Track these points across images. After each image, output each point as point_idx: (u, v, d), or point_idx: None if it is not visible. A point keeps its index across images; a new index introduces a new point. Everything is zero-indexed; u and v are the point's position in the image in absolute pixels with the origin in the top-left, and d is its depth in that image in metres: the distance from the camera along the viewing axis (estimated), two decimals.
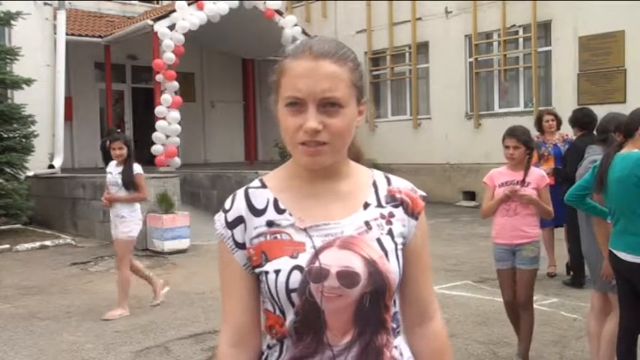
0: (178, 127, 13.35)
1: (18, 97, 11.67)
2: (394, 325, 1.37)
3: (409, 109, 15.73)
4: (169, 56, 13.14)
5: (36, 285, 7.36)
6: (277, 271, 1.27)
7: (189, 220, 9.41)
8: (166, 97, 13.20)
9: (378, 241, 1.32)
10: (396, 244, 1.34)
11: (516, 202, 4.22)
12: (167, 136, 13.27)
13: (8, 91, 11.68)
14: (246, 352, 1.36)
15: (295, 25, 14.94)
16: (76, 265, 8.53)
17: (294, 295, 1.26)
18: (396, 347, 1.36)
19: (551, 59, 13.05)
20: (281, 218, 1.32)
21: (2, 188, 10.51)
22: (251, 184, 1.39)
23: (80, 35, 14.87)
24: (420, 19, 15.13)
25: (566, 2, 12.30)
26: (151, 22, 13.38)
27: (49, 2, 13.32)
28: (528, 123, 12.93)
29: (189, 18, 13.32)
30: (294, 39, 14.73)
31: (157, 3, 18.33)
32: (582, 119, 6.29)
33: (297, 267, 1.26)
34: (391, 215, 1.36)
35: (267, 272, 1.29)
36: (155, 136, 13.28)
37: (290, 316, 1.29)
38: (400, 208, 1.38)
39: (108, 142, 13.42)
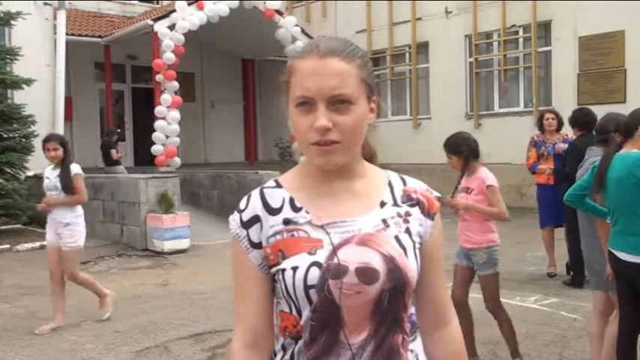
0: (177, 127, 13.35)
1: (18, 97, 11.67)
2: (410, 327, 1.36)
3: (409, 109, 15.73)
4: (169, 56, 13.14)
5: (36, 285, 7.35)
6: (295, 268, 1.26)
7: (189, 220, 9.41)
8: (166, 97, 13.20)
9: (396, 238, 1.31)
10: (414, 243, 1.34)
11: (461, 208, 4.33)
12: (166, 137, 13.27)
13: (8, 91, 11.69)
14: (261, 353, 1.35)
15: (295, 25, 14.94)
16: None
17: (312, 292, 1.25)
18: (412, 351, 1.36)
19: (551, 59, 13.06)
20: (298, 216, 1.31)
21: (2, 188, 10.51)
22: (266, 184, 1.39)
23: (80, 35, 14.87)
24: (420, 19, 15.14)
25: (566, 2, 12.30)
26: (150, 22, 13.38)
27: (49, 2, 13.33)
28: (528, 123, 13.03)
29: (189, 18, 13.33)
30: (294, 39, 14.74)
31: (157, 3, 18.33)
32: (581, 119, 6.29)
33: (316, 263, 1.26)
34: (408, 214, 1.36)
35: (284, 270, 1.28)
36: (155, 136, 13.28)
37: (306, 314, 1.27)
38: (417, 208, 1.38)
39: (115, 139, 13.52)
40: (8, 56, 11.28)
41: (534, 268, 7.38)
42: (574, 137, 6.50)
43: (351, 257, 1.26)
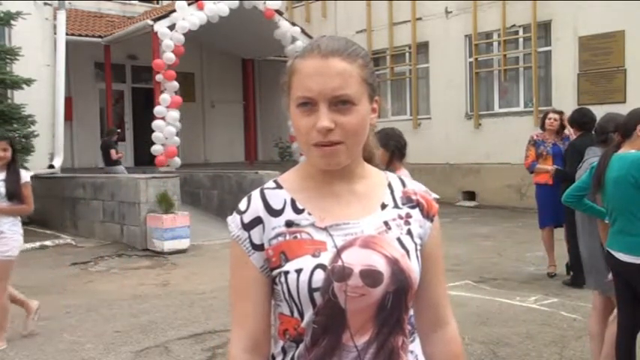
0: (175, 128, 13.34)
1: (18, 97, 11.67)
2: (410, 329, 1.36)
3: (409, 109, 15.73)
4: (169, 56, 13.14)
5: (36, 285, 7.35)
6: (299, 270, 1.25)
7: (189, 220, 9.41)
8: (165, 97, 13.19)
9: (399, 240, 1.31)
10: (415, 244, 1.33)
11: None
12: (166, 137, 13.27)
13: (8, 91, 11.68)
14: (260, 357, 1.34)
15: (294, 25, 14.95)
16: (76, 265, 8.53)
17: (316, 295, 1.24)
18: (411, 352, 1.36)
19: (551, 59, 13.06)
20: (300, 218, 1.30)
21: None
22: (265, 185, 1.37)
23: (80, 35, 14.88)
24: (420, 19, 15.14)
25: (566, 2, 12.30)
26: (150, 22, 13.38)
27: (49, 2, 13.32)
28: (528, 123, 13.03)
29: (189, 18, 13.33)
30: (294, 39, 14.74)
31: (157, 3, 18.33)
32: (579, 119, 6.30)
33: (320, 265, 1.24)
34: (408, 216, 1.35)
35: (287, 272, 1.26)
36: (155, 136, 13.28)
37: (309, 317, 1.26)
38: (417, 210, 1.37)
39: (115, 139, 13.51)
40: (8, 56, 11.28)
41: (534, 268, 7.38)
42: (574, 137, 6.50)
43: (356, 260, 1.25)
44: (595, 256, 3.95)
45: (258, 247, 1.31)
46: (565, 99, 12.18)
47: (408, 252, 1.30)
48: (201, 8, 13.52)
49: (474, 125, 14.17)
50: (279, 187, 1.36)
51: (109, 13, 17.32)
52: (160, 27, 13.25)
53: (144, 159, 15.78)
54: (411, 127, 15.49)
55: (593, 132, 5.07)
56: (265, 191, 1.35)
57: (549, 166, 6.71)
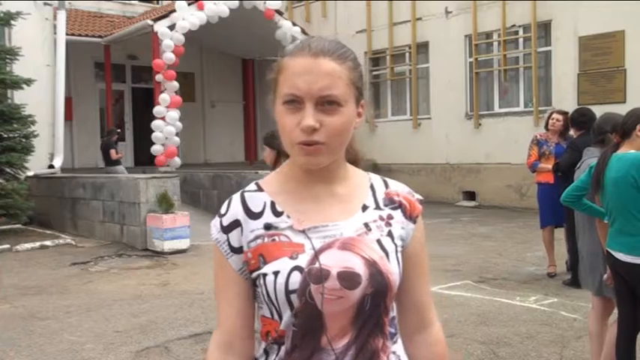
0: (175, 128, 13.35)
1: (18, 97, 11.66)
2: (392, 330, 1.35)
3: (409, 109, 15.73)
4: (169, 56, 13.15)
5: (36, 285, 7.35)
6: (276, 273, 1.25)
7: (189, 220, 9.41)
8: (164, 97, 13.20)
9: (379, 242, 1.30)
10: (396, 246, 1.33)
11: None
12: (165, 137, 13.27)
13: (8, 91, 11.68)
14: (235, 356, 1.35)
15: (294, 25, 14.96)
16: (76, 265, 8.53)
17: (293, 297, 1.24)
18: (394, 353, 1.34)
19: (551, 59, 13.06)
20: (279, 221, 1.30)
21: (2, 188, 10.50)
22: (247, 188, 1.38)
23: (80, 35, 14.88)
24: (420, 19, 15.14)
25: (566, 2, 12.30)
26: (150, 22, 13.39)
27: (49, 2, 13.32)
28: (528, 123, 13.04)
29: (189, 18, 13.33)
30: (294, 39, 14.74)
31: (157, 3, 18.33)
32: (577, 119, 6.31)
33: (297, 268, 1.24)
34: (390, 217, 1.35)
35: (265, 274, 1.27)
36: (155, 136, 13.29)
37: (288, 319, 1.27)
38: (399, 211, 1.36)
39: (115, 139, 13.48)
40: (8, 56, 11.27)
41: (534, 268, 7.38)
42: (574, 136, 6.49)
43: (333, 262, 1.25)
44: (596, 257, 3.94)
45: (237, 250, 1.32)
46: (565, 99, 12.18)
47: (387, 254, 1.30)
48: (201, 8, 13.53)
49: (474, 125, 14.17)
50: (260, 189, 1.36)
51: (109, 13, 17.32)
52: (160, 27, 13.26)
53: (144, 159, 15.79)
54: (411, 127, 15.50)
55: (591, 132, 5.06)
56: (245, 194, 1.36)
57: (550, 166, 6.71)
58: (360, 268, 1.25)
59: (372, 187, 1.38)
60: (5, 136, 11.02)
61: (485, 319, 5.43)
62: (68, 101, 14.21)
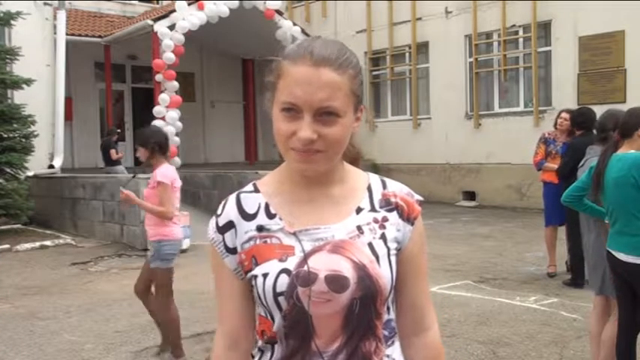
0: (175, 128, 13.34)
1: (18, 97, 11.67)
2: (386, 333, 1.33)
3: (409, 109, 15.73)
4: (169, 56, 13.14)
5: (36, 285, 7.35)
6: (265, 275, 1.26)
7: (189, 220, 9.41)
8: (164, 97, 13.19)
9: (370, 245, 1.29)
10: (388, 249, 1.31)
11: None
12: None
13: (8, 91, 11.68)
14: (241, 354, 1.36)
15: (294, 25, 14.96)
16: (76, 265, 8.53)
17: (281, 299, 1.24)
18: (388, 356, 1.33)
19: (551, 59, 13.06)
20: (271, 223, 1.31)
21: (2, 188, 10.51)
22: (243, 189, 1.38)
23: (80, 35, 14.88)
24: (420, 19, 15.14)
25: (566, 2, 12.30)
26: (150, 22, 13.38)
27: (49, 2, 13.32)
28: (528, 123, 13.03)
29: (189, 18, 13.32)
30: (294, 39, 14.74)
31: (157, 3, 18.33)
32: (576, 119, 6.31)
33: (285, 270, 1.25)
34: (385, 220, 1.33)
35: (256, 276, 1.28)
36: None
37: (278, 321, 1.27)
38: (395, 213, 1.34)
39: (115, 139, 13.48)
40: (8, 56, 11.28)
41: (534, 268, 7.38)
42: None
43: (322, 265, 1.24)
44: (598, 256, 3.93)
45: (231, 251, 1.34)
46: (565, 99, 12.18)
47: (378, 257, 1.28)
48: (201, 8, 13.52)
49: (473, 125, 14.17)
50: (256, 190, 1.37)
51: (109, 13, 17.32)
52: (160, 27, 13.25)
53: None
54: (411, 127, 15.50)
55: (594, 131, 5.06)
56: (241, 195, 1.36)
57: (556, 165, 6.70)
58: (349, 272, 1.25)
59: (369, 188, 1.37)
60: (5, 136, 11.02)
61: (486, 319, 5.43)
62: (68, 101, 14.20)
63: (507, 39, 13.72)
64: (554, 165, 6.70)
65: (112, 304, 6.30)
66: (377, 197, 1.36)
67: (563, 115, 6.95)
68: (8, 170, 11.01)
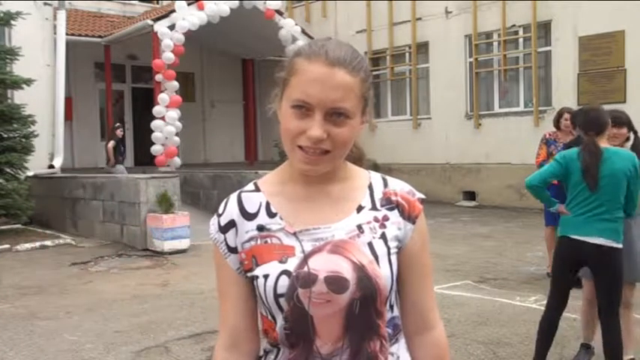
0: (175, 128, 13.34)
1: (18, 97, 11.66)
2: (390, 331, 1.33)
3: (409, 109, 15.74)
4: (169, 56, 13.15)
5: (36, 285, 7.35)
6: (266, 276, 1.26)
7: (189, 220, 9.41)
8: (164, 97, 13.19)
9: (370, 245, 1.29)
10: (388, 248, 1.31)
11: None
12: (165, 137, 13.26)
13: (8, 91, 11.68)
14: (240, 355, 1.35)
15: (295, 25, 14.96)
16: (76, 265, 8.53)
17: (282, 301, 1.25)
18: (392, 354, 1.33)
19: (551, 59, 13.06)
20: (271, 222, 1.31)
21: (2, 188, 10.50)
22: (245, 188, 1.38)
23: (80, 35, 14.88)
24: (420, 19, 15.14)
25: (566, 2, 12.31)
26: (150, 22, 13.39)
27: (49, 2, 13.32)
28: (528, 123, 13.03)
29: (189, 18, 13.33)
30: (294, 39, 14.74)
31: (157, 3, 18.33)
32: (574, 119, 6.30)
33: (285, 272, 1.25)
34: (385, 219, 1.33)
35: (257, 277, 1.28)
36: (154, 136, 13.28)
37: (280, 322, 1.27)
38: (395, 211, 1.34)
39: (120, 132, 13.39)
40: (8, 56, 11.27)
41: (534, 268, 7.39)
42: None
43: (322, 265, 1.24)
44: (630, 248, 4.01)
45: (233, 250, 1.33)
46: (565, 99, 12.17)
47: (377, 257, 1.28)
48: (201, 8, 13.53)
49: (474, 125, 14.17)
50: (257, 189, 1.37)
51: (109, 13, 17.32)
52: (160, 27, 13.26)
53: (144, 159, 15.78)
54: (411, 127, 15.50)
55: None
56: (242, 194, 1.36)
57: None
58: (348, 273, 1.24)
59: (370, 186, 1.37)
60: (5, 136, 11.02)
61: (486, 319, 5.43)
62: (68, 101, 14.20)
63: (507, 39, 13.72)
64: None
65: (112, 304, 6.29)
66: (378, 196, 1.36)
67: (568, 115, 6.93)
68: (8, 170, 11.00)
